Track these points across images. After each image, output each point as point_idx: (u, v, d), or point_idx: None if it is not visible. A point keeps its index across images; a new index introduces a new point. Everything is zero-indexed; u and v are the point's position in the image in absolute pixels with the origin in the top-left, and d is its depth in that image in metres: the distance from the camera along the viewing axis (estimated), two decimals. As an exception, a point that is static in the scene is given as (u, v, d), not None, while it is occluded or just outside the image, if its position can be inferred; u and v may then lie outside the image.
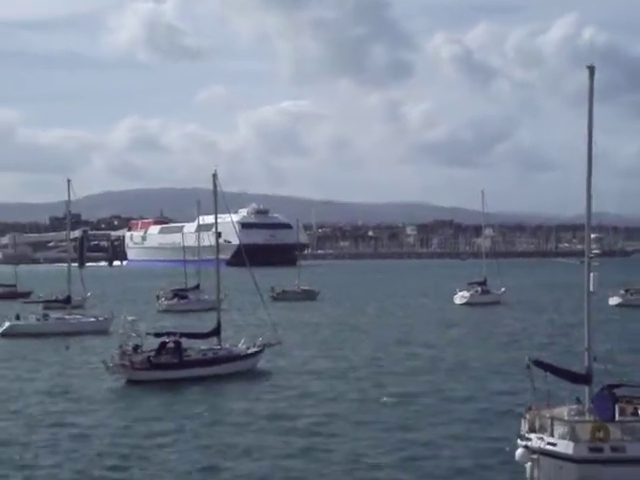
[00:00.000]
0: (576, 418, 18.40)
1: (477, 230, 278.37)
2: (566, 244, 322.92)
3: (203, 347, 35.61)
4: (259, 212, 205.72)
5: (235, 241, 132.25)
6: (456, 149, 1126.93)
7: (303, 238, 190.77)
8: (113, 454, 22.13)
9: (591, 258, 20.44)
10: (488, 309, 68.22)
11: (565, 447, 17.57)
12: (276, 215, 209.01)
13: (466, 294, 74.28)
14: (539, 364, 19.06)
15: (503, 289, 75.18)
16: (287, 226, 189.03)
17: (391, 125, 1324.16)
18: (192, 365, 34.01)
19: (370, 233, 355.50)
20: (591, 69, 20.04)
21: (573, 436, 17.61)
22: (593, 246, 21.41)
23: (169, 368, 33.48)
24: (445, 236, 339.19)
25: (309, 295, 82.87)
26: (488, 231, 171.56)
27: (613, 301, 67.92)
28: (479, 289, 75.43)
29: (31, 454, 22.21)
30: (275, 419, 26.02)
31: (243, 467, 20.77)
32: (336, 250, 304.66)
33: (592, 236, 21.77)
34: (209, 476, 20.24)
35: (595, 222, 21.06)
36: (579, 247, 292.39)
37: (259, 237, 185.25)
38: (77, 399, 30.09)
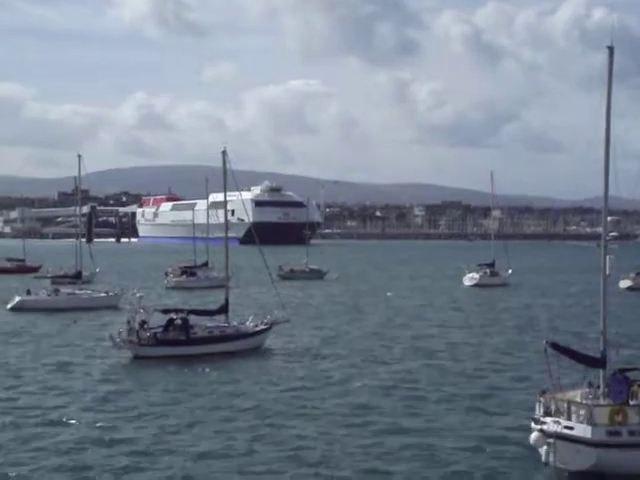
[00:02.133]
0: (593, 402, 18.12)
1: (485, 211, 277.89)
2: (574, 227, 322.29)
3: (210, 324, 35.42)
4: (273, 190, 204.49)
5: (248, 219, 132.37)
6: (464, 129, 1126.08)
7: (316, 217, 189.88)
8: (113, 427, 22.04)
9: (608, 241, 20.16)
10: (496, 291, 67.94)
11: (583, 431, 17.34)
12: (289, 193, 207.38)
13: (475, 276, 74.01)
14: (556, 347, 18.78)
15: (510, 271, 74.97)
16: (300, 204, 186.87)
17: (399, 104, 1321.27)
18: (199, 342, 33.86)
19: (378, 213, 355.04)
20: (611, 49, 19.79)
21: (591, 420, 17.38)
22: (610, 229, 21.15)
23: (176, 344, 33.34)
24: (453, 217, 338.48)
25: (317, 274, 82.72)
26: (496, 213, 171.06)
27: (624, 284, 67.64)
28: (488, 271, 75.12)
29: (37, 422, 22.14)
30: (279, 400, 25.79)
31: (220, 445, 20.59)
32: (344, 230, 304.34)
33: (609, 219, 21.42)
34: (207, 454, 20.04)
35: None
36: (588, 230, 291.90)
37: (272, 215, 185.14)
38: (84, 373, 30.01)
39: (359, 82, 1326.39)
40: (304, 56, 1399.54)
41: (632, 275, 69.69)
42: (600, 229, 20.78)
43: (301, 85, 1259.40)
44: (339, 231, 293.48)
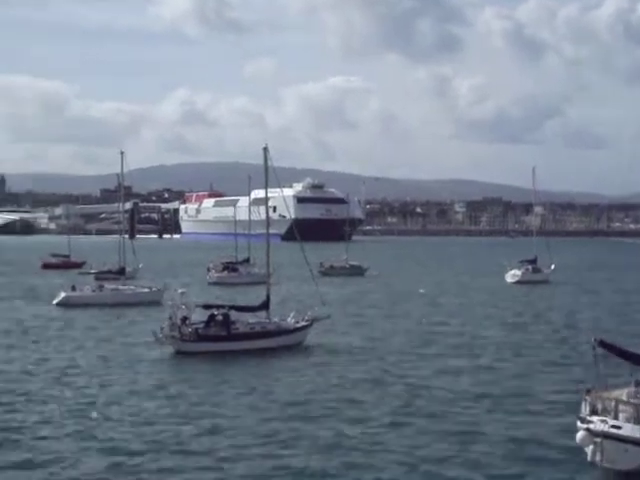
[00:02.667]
0: (640, 401, 17.75)
1: (527, 208, 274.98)
2: (618, 223, 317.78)
3: (251, 320, 35.46)
4: (314, 186, 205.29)
5: (290, 216, 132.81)
6: (506, 125, 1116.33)
7: (358, 213, 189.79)
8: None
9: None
10: (539, 288, 67.22)
11: (631, 430, 17.00)
12: (331, 190, 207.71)
13: (518, 272, 73.36)
14: (604, 345, 18.41)
15: (553, 267, 74.24)
16: (342, 201, 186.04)
17: (440, 100, 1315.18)
18: (240, 338, 33.90)
19: (418, 210, 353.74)
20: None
21: (639, 419, 17.01)
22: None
23: (217, 340, 33.44)
24: (494, 213, 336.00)
25: (357, 271, 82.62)
26: (538, 209, 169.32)
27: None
28: (530, 267, 74.45)
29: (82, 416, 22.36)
30: (318, 398, 25.71)
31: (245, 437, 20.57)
32: (384, 226, 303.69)
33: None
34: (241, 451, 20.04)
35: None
36: (632, 227, 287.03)
37: (315, 212, 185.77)
38: (125, 367, 30.31)
39: (399, 78, 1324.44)
40: (344, 53, 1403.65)
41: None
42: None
43: (341, 81, 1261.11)
44: (380, 228, 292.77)
